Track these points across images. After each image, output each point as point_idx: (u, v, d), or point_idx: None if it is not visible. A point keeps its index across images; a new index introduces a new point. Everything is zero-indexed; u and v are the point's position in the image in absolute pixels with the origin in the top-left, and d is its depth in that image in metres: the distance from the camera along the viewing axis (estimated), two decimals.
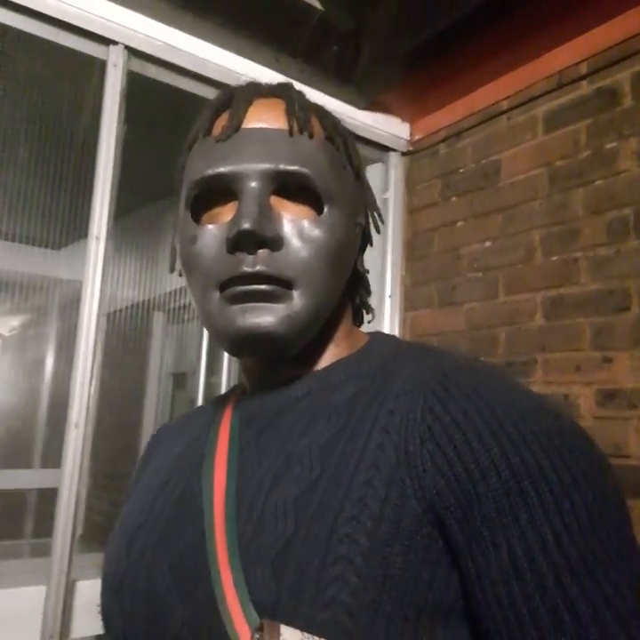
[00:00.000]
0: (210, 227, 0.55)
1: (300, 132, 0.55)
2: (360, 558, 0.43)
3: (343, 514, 0.45)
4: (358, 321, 0.66)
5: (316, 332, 0.56)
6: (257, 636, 0.41)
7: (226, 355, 2.86)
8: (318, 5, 1.66)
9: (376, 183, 1.98)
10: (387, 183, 1.97)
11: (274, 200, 0.54)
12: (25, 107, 1.97)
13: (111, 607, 0.54)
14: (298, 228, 0.54)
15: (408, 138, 1.96)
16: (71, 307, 1.34)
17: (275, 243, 0.52)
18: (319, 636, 0.41)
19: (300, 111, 0.56)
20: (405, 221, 1.96)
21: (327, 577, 0.43)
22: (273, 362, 0.58)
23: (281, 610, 0.43)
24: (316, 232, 0.54)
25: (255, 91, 0.58)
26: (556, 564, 0.41)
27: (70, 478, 1.27)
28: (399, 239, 1.95)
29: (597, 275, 1.42)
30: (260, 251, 0.52)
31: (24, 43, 1.44)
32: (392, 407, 0.49)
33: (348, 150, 0.60)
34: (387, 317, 1.90)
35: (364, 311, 0.67)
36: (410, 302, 1.91)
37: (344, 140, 0.60)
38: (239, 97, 0.57)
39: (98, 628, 1.47)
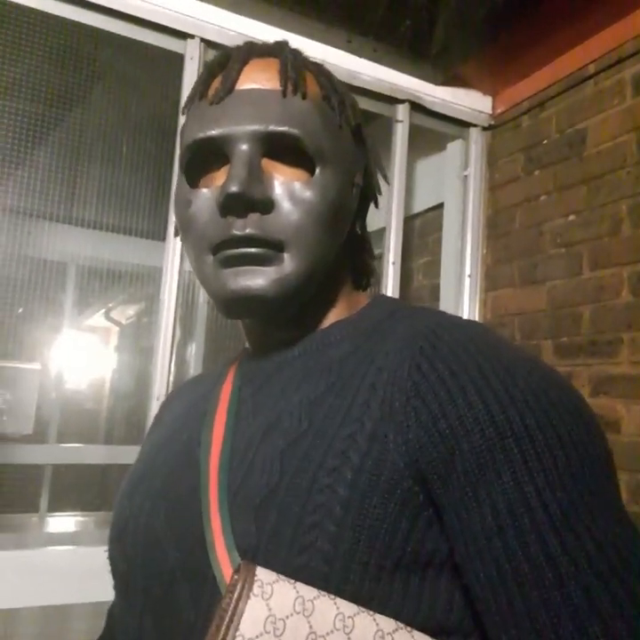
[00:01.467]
0: (204, 190, 0.55)
1: (294, 92, 0.55)
2: (339, 507, 0.44)
3: (325, 465, 0.46)
4: (362, 285, 0.65)
5: (310, 294, 0.57)
6: (235, 576, 0.43)
7: None
8: None
9: (456, 160, 1.93)
10: (467, 160, 1.91)
11: (266, 162, 0.54)
12: (121, 105, 2.12)
13: (115, 552, 0.57)
14: (289, 189, 0.53)
15: (490, 112, 1.89)
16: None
17: (264, 205, 0.52)
18: (295, 580, 0.43)
19: (292, 71, 0.55)
20: (486, 198, 1.90)
21: (306, 524, 0.44)
22: (268, 324, 0.59)
23: (260, 554, 0.45)
24: (307, 194, 0.53)
25: (250, 50, 0.57)
26: (537, 521, 0.41)
27: None
28: (479, 217, 1.88)
29: None
30: (251, 214, 0.52)
31: (110, 43, 1.55)
32: (381, 364, 0.50)
33: (345, 109, 0.59)
34: (466, 297, 1.85)
35: (368, 275, 0.66)
36: (491, 282, 1.85)
37: (340, 99, 0.59)
38: (234, 58, 0.57)
39: None
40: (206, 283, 0.55)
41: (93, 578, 1.33)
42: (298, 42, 1.62)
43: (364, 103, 1.73)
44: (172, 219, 1.45)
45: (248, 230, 0.52)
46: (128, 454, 3.40)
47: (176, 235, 0.61)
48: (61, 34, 1.62)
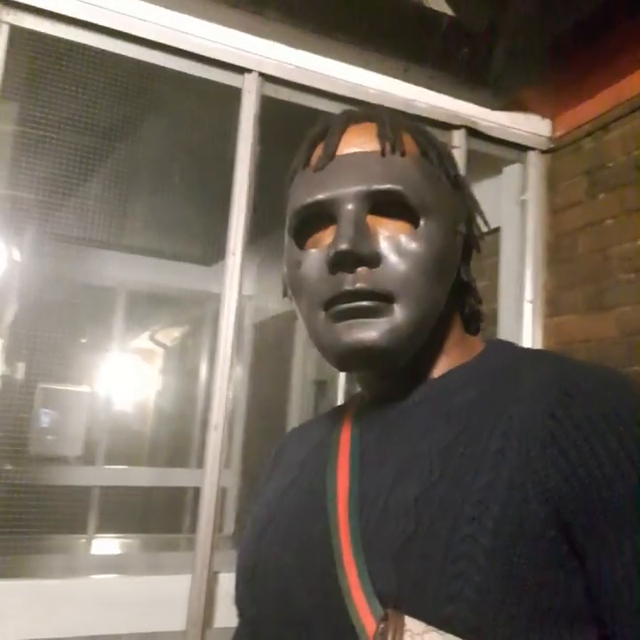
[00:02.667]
0: (313, 251, 0.58)
1: (392, 151, 0.57)
2: (483, 557, 0.44)
3: (464, 514, 0.46)
4: (473, 329, 0.66)
5: (421, 342, 0.58)
6: (382, 625, 0.43)
7: None
8: (448, 10, 1.63)
9: (514, 185, 1.90)
10: (525, 184, 1.87)
11: (371, 219, 0.56)
12: (176, 138, 2.15)
13: (244, 596, 0.59)
14: (395, 242, 0.55)
15: (549, 135, 1.86)
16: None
17: (372, 260, 0.54)
18: (444, 631, 0.43)
19: (391, 132, 0.58)
20: (547, 222, 1.85)
21: (450, 572, 0.44)
22: (381, 375, 0.60)
23: (404, 602, 0.45)
24: (413, 245, 0.55)
25: (348, 118, 0.60)
26: None
27: (211, 477, 1.36)
28: (539, 241, 1.84)
29: None
30: (360, 268, 0.54)
31: (171, 79, 1.57)
32: (512, 412, 0.50)
33: (443, 162, 0.61)
34: (527, 323, 1.81)
35: (477, 320, 0.66)
36: (554, 307, 1.80)
37: (438, 154, 0.61)
38: (334, 126, 0.60)
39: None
40: (319, 337, 0.57)
41: (138, 606, 1.32)
42: (355, 73, 1.63)
43: None
44: (231, 248, 1.49)
45: (358, 285, 0.54)
46: (174, 476, 3.42)
47: (285, 295, 0.64)
48: (119, 69, 1.66)
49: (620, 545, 0.43)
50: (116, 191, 2.32)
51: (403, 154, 0.57)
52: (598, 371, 0.52)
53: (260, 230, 1.50)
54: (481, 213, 0.65)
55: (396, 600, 0.45)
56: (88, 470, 3.04)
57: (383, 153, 0.57)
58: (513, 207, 1.89)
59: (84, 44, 1.45)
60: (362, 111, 0.62)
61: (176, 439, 3.80)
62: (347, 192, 0.55)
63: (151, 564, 2.56)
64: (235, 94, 1.54)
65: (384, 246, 0.55)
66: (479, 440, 0.50)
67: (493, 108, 1.78)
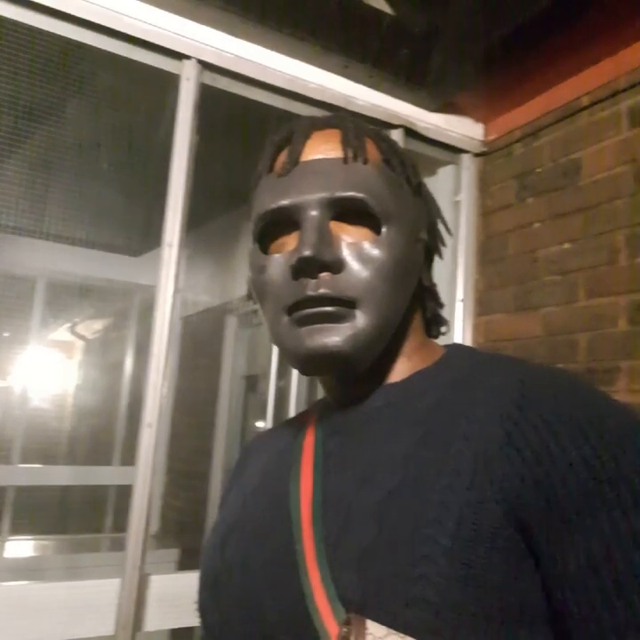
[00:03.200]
0: (276, 256, 0.59)
1: (355, 158, 0.58)
2: (443, 558, 0.45)
3: (425, 516, 0.47)
4: (433, 333, 0.67)
5: (383, 347, 0.59)
6: (345, 629, 0.43)
7: None
8: (388, 10, 1.64)
9: (447, 186, 1.94)
10: (459, 185, 1.92)
11: (334, 225, 0.57)
12: (106, 121, 2.06)
13: (207, 603, 0.59)
14: (357, 249, 0.56)
15: (482, 138, 1.91)
16: (149, 311, 1.39)
17: (335, 266, 0.55)
18: (405, 633, 0.43)
19: (354, 139, 0.59)
20: (478, 224, 1.91)
21: (412, 576, 0.45)
22: (344, 379, 0.61)
23: (367, 606, 0.45)
24: (375, 252, 0.56)
25: (312, 124, 0.61)
26: (633, 562, 0.42)
27: (144, 475, 1.31)
28: (471, 242, 1.89)
29: None
30: (322, 274, 0.55)
31: (106, 61, 1.50)
32: (471, 415, 0.51)
33: (405, 170, 0.62)
34: (458, 321, 1.86)
35: (438, 324, 0.67)
36: (484, 307, 1.86)
37: (401, 161, 0.62)
38: (297, 132, 0.61)
39: (170, 622, 1.51)
40: (282, 342, 0.58)
41: (62, 611, 1.26)
42: (295, 66, 1.61)
43: None
44: (167, 239, 1.43)
45: (321, 290, 0.55)
46: (96, 474, 3.30)
47: (249, 298, 0.64)
48: (45, 47, 1.56)
49: (574, 540, 0.44)
50: (38, 175, 2.20)
51: (365, 161, 0.58)
52: (552, 373, 0.54)
53: (188, 222, 1.45)
54: (442, 220, 0.67)
55: (360, 604, 0.45)
56: (2, 469, 2.89)
57: (346, 160, 0.58)
58: (446, 208, 1.93)
59: (8, 18, 1.35)
60: (326, 118, 0.63)
61: (98, 436, 3.66)
62: (310, 199, 0.56)
63: (72, 565, 2.46)
64: (173, 81, 1.49)
65: (347, 253, 0.56)
66: (440, 443, 0.51)
67: (430, 110, 1.82)
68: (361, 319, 0.55)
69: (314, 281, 0.55)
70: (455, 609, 0.44)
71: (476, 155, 1.91)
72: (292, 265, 0.55)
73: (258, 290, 0.60)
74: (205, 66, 1.51)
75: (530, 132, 1.75)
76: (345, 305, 0.55)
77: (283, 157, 0.60)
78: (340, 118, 0.62)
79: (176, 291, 1.40)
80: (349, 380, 0.60)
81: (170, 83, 1.51)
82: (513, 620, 0.45)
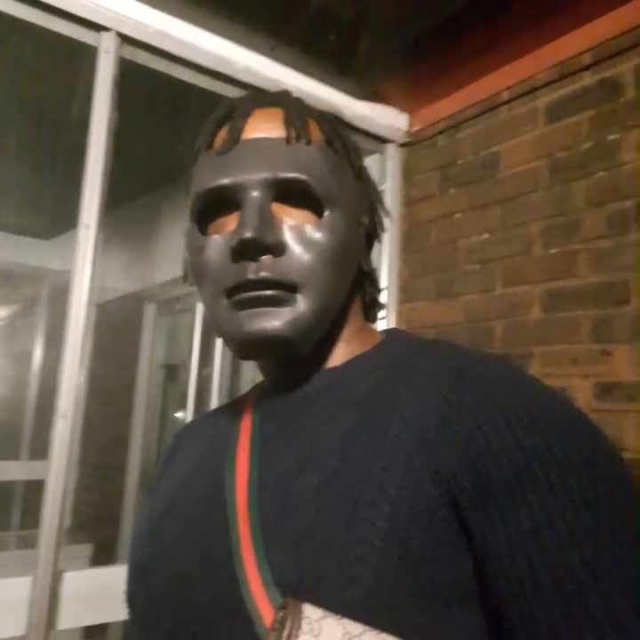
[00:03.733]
0: (215, 237, 0.57)
1: (298, 139, 0.57)
2: (379, 540, 0.45)
3: (363, 499, 0.47)
4: (371, 318, 0.67)
5: (323, 332, 0.58)
6: (280, 613, 0.43)
7: (219, 347, 2.83)
8: None
9: (372, 175, 1.96)
10: (384, 175, 1.94)
11: (275, 207, 0.56)
12: (15, 94, 1.92)
13: (137, 592, 0.57)
14: (299, 232, 0.55)
15: (406, 129, 1.94)
16: (61, 297, 1.31)
17: (276, 249, 0.54)
18: (341, 615, 0.43)
19: (297, 119, 0.58)
20: (402, 213, 1.94)
21: (348, 558, 0.45)
22: (284, 363, 0.60)
23: (303, 590, 0.45)
24: (317, 235, 0.56)
25: (254, 101, 0.60)
26: (559, 537, 0.43)
27: (57, 470, 1.25)
28: (395, 231, 1.92)
29: (597, 267, 1.41)
30: (263, 257, 0.54)
31: (15, 28, 1.40)
32: (409, 399, 0.52)
33: (348, 153, 0.62)
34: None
35: (376, 308, 0.68)
36: (407, 294, 1.89)
37: (343, 143, 0.61)
38: (238, 109, 0.59)
39: (85, 619, 1.44)
40: (221, 325, 0.56)
41: None
42: (220, 45, 1.57)
43: None
44: (84, 220, 1.36)
45: (262, 273, 0.54)
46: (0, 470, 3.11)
47: (185, 280, 0.62)
48: None
49: (505, 519, 0.45)
50: None
51: (308, 142, 0.57)
52: (486, 358, 0.55)
53: (106, 203, 1.39)
54: (382, 204, 0.66)
55: (296, 588, 0.45)
56: None
57: (289, 140, 0.57)
58: None
59: None
60: (268, 95, 0.61)
61: (3, 429, 3.46)
62: (252, 179, 0.55)
63: None
64: (90, 53, 1.41)
65: (288, 236, 0.55)
66: (379, 426, 0.51)
67: (358, 98, 1.82)
68: (302, 303, 0.55)
69: (254, 264, 0.54)
70: (390, 589, 0.44)
71: (401, 145, 1.94)
72: (233, 247, 0.54)
73: (195, 272, 0.58)
74: (125, 39, 1.44)
75: (453, 124, 1.79)
76: (286, 289, 0.54)
77: (223, 134, 0.58)
78: (282, 96, 0.61)
79: (94, 275, 1.33)
80: (288, 364, 0.60)
81: (87, 55, 1.43)
82: (446, 598, 0.45)
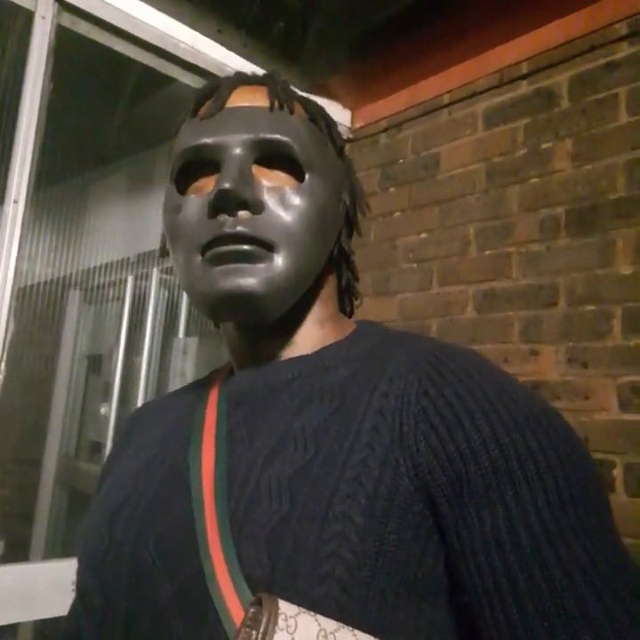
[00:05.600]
0: (193, 196, 0.56)
1: (281, 108, 0.57)
2: (355, 535, 0.44)
3: (338, 492, 0.45)
4: (345, 308, 0.66)
5: (297, 297, 0.57)
6: (252, 609, 0.41)
7: (148, 337, 2.75)
8: None
9: None
10: None
11: (256, 169, 0.55)
12: None
13: (90, 585, 0.53)
14: (279, 194, 0.55)
15: (349, 125, 1.95)
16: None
17: (255, 205, 0.53)
18: (314, 611, 0.42)
19: (281, 92, 0.58)
20: None
21: (323, 553, 0.43)
22: (257, 332, 0.59)
23: (275, 585, 0.43)
24: (297, 199, 0.55)
25: (241, 79, 0.60)
26: (535, 536, 0.43)
27: None
28: None
29: (528, 270, 1.46)
30: (241, 213, 0.53)
31: None
32: (386, 390, 0.51)
33: (331, 130, 0.62)
34: None
35: (351, 298, 0.67)
36: None
37: (326, 123, 0.62)
38: (224, 83, 0.59)
39: None
40: (193, 283, 0.55)
41: None
42: (165, 22, 1.52)
43: None
44: (13, 195, 1.28)
45: (239, 228, 0.52)
46: None
47: (161, 254, 0.61)
48: None
49: (480, 516, 0.44)
50: None
51: (291, 112, 0.58)
52: (461, 351, 0.54)
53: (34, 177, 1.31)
54: (362, 191, 0.66)
55: (267, 583, 0.43)
56: None
57: (272, 108, 0.57)
58: None
59: None
60: (255, 76, 0.62)
61: None
62: (234, 138, 0.55)
63: None
64: (25, 18, 1.33)
65: (268, 197, 0.54)
66: (354, 418, 0.50)
67: (302, 90, 1.81)
68: (278, 263, 0.53)
69: (231, 219, 0.53)
70: (364, 585, 0.43)
71: (344, 141, 1.94)
72: (210, 200, 0.52)
73: (171, 231, 0.57)
74: (64, 6, 1.37)
75: (394, 124, 1.82)
76: (263, 246, 0.53)
77: (209, 102, 0.59)
78: (269, 76, 0.61)
79: (20, 256, 1.26)
80: (262, 335, 0.58)
81: (21, 20, 1.35)
82: (419, 594, 0.45)
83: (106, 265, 2.70)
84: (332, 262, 0.61)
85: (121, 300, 2.91)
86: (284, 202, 0.54)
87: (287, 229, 0.54)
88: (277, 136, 0.55)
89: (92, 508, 0.60)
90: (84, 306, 3.21)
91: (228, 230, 0.52)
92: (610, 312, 1.31)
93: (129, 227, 2.81)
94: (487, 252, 1.55)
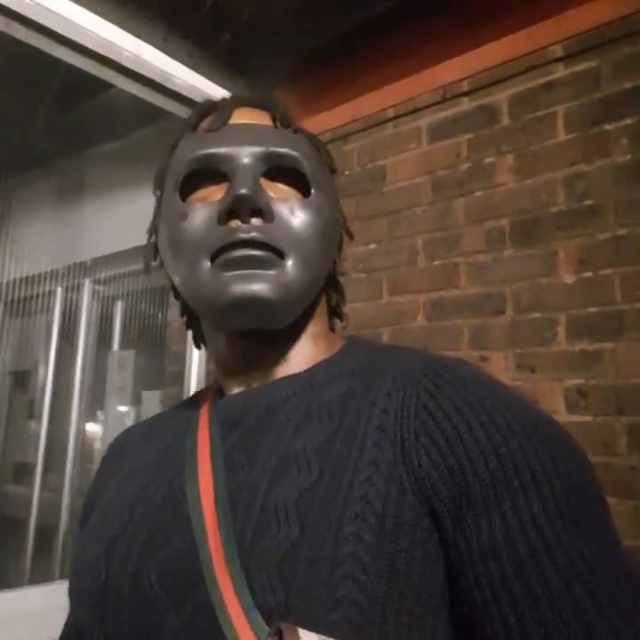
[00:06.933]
0: (199, 204, 0.56)
1: (285, 127, 0.59)
2: (367, 555, 0.43)
3: (347, 512, 0.45)
4: (331, 326, 0.67)
5: (305, 306, 0.58)
6: None
7: (80, 351, 2.64)
8: None
9: None
10: None
11: (263, 182, 0.56)
12: None
13: (88, 622, 0.51)
14: (287, 206, 0.56)
15: None
16: None
17: (267, 213, 0.54)
18: (330, 636, 0.41)
19: (283, 114, 0.60)
20: None
21: (337, 576, 0.43)
22: (255, 341, 0.58)
23: (291, 612, 0.42)
24: (304, 212, 0.56)
25: (240, 100, 0.61)
26: (532, 544, 0.43)
27: None
28: None
29: (476, 280, 1.52)
30: (254, 220, 0.53)
31: None
32: (385, 405, 0.51)
33: (327, 153, 0.64)
34: None
35: (338, 318, 0.68)
36: None
37: (323, 146, 0.64)
38: (223, 102, 0.60)
39: None
40: (201, 290, 0.54)
41: None
42: (109, 29, 1.47)
43: (174, 107, 1.64)
44: None
45: (253, 233, 0.53)
46: None
47: (146, 270, 0.60)
48: None
49: (478, 527, 0.44)
50: None
51: (295, 132, 0.60)
52: (454, 363, 0.55)
53: None
54: (344, 218, 0.67)
55: (282, 612, 0.42)
56: None
57: (276, 126, 0.59)
58: None
59: None
60: (255, 98, 0.62)
61: None
62: (243, 149, 0.55)
63: None
64: None
65: (277, 207, 0.55)
66: (355, 436, 0.49)
67: None
68: (290, 270, 0.54)
69: (245, 225, 0.53)
70: (379, 605, 0.43)
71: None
72: (224, 207, 0.53)
73: (173, 238, 0.56)
74: (2, 10, 1.30)
75: (340, 136, 1.84)
76: (275, 253, 0.54)
77: (208, 120, 0.59)
78: (268, 101, 0.62)
79: None
80: (257, 345, 0.58)
81: None
82: (431, 611, 0.45)
83: (32, 276, 2.58)
84: (324, 284, 0.62)
85: (49, 312, 2.78)
86: (292, 213, 0.56)
87: (297, 238, 0.55)
88: (286, 150, 0.56)
89: (83, 540, 0.58)
90: (6, 319, 3.04)
91: (242, 235, 0.53)
92: (554, 319, 1.38)
93: (58, 235, 2.69)
94: (435, 263, 1.60)
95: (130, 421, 2.50)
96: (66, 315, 2.71)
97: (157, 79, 1.56)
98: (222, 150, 0.55)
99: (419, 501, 0.46)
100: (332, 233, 0.60)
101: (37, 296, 2.82)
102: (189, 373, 1.57)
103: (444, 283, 1.58)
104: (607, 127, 1.36)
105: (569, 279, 1.37)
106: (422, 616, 0.44)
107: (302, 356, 0.59)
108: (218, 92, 1.71)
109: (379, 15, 1.54)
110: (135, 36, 1.51)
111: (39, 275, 2.63)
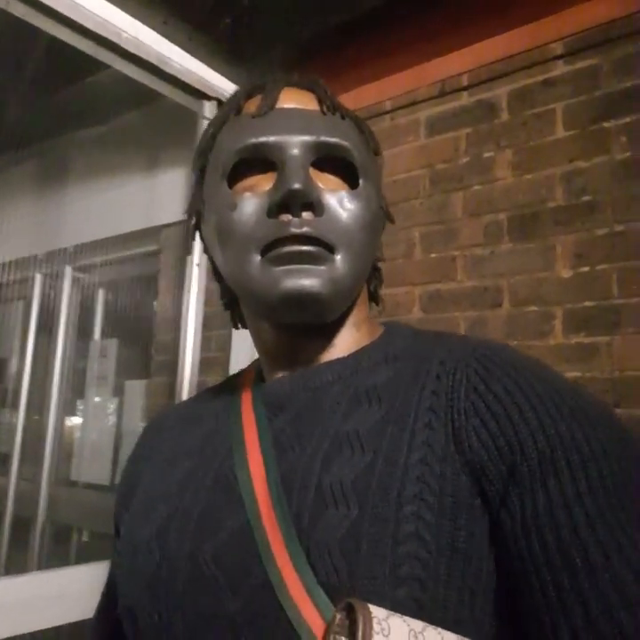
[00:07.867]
0: (248, 194, 0.55)
1: (333, 112, 0.58)
2: (428, 534, 0.45)
3: (405, 492, 0.46)
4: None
5: (353, 298, 0.59)
6: (339, 615, 0.41)
7: (61, 340, 2.59)
8: None
9: None
10: None
11: (312, 172, 0.56)
12: None
13: (142, 603, 0.52)
14: (337, 198, 0.55)
15: None
16: None
17: (318, 207, 0.54)
18: (398, 613, 0.42)
19: (330, 97, 0.60)
20: None
21: (400, 554, 0.44)
22: (303, 332, 0.58)
23: (356, 590, 0.43)
24: (354, 203, 0.56)
25: (286, 81, 0.60)
26: (574, 518, 0.44)
27: None
28: None
29: (473, 273, 1.54)
30: (305, 214, 0.53)
31: None
32: (435, 388, 0.52)
33: (372, 136, 0.64)
34: None
35: (376, 302, 0.69)
36: None
37: (368, 129, 0.64)
38: (270, 83, 0.59)
39: None
40: (251, 283, 0.54)
41: None
42: (108, 10, 1.44)
43: (172, 92, 1.62)
44: None
45: (305, 228, 0.53)
46: None
47: (187, 251, 0.57)
48: None
49: (523, 503, 0.45)
50: None
51: (343, 117, 0.59)
52: (501, 346, 0.56)
53: None
54: (385, 202, 0.67)
55: (348, 589, 0.43)
56: None
57: (324, 112, 0.58)
58: None
59: None
60: (299, 77, 0.62)
61: None
62: (294, 139, 0.55)
63: None
64: None
65: (327, 199, 0.55)
66: (407, 418, 0.51)
67: None
68: (339, 264, 0.54)
69: (297, 219, 0.53)
70: (442, 583, 0.44)
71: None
72: (275, 200, 0.52)
73: (225, 229, 0.56)
74: None
75: None
76: (325, 248, 0.54)
77: (254, 103, 0.58)
78: (314, 81, 0.61)
79: None
80: (304, 334, 0.58)
81: None
82: (485, 588, 0.46)
83: (9, 262, 2.51)
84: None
85: (27, 300, 2.71)
86: (342, 205, 0.55)
87: (346, 232, 0.55)
88: (336, 139, 0.56)
89: (131, 523, 0.58)
90: None
91: (294, 230, 0.53)
92: (551, 313, 1.41)
93: (38, 221, 2.62)
94: (433, 255, 1.61)
95: (111, 411, 2.47)
96: (45, 302, 2.65)
97: (155, 62, 1.53)
98: (271, 139, 0.55)
99: (470, 481, 0.47)
100: (378, 223, 0.61)
101: (14, 282, 2.75)
102: (183, 363, 1.55)
103: (441, 275, 1.59)
104: (606, 125, 1.38)
105: (566, 273, 1.40)
106: (482, 593, 0.45)
107: (346, 342, 0.60)
108: (215, 78, 1.69)
109: (380, 7, 1.54)
110: (135, 17, 1.48)
111: (16, 260, 2.56)
